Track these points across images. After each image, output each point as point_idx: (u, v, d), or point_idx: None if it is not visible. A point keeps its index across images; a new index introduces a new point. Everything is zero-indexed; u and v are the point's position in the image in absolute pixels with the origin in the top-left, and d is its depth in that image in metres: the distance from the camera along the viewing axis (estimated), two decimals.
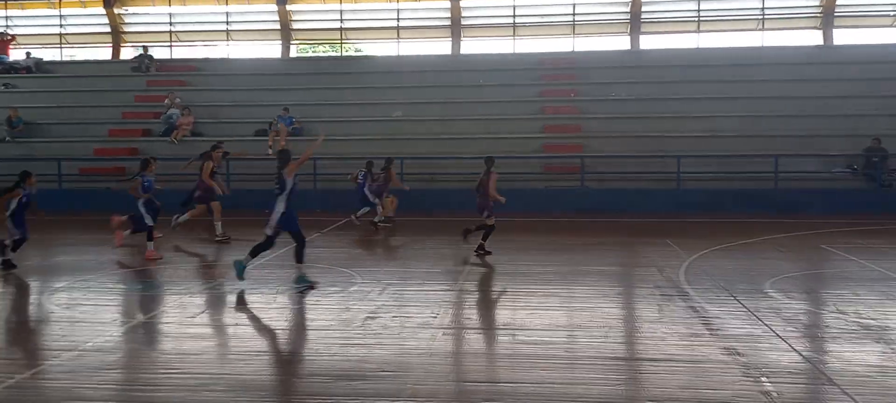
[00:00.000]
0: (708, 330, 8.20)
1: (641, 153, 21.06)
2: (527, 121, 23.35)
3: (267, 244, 10.34)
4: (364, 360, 7.19)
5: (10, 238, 11.86)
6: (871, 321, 8.66)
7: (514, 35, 27.80)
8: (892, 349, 7.72)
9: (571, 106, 23.90)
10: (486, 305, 9.70)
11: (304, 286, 10.07)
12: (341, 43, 30.01)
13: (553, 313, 9.09)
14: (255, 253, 10.44)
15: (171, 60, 28.42)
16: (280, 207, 10.14)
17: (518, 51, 27.29)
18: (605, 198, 19.88)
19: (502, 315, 9.11)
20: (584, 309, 9.33)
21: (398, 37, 28.34)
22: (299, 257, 10.31)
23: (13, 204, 11.81)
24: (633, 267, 12.66)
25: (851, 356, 7.50)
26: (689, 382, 6.54)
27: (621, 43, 27.15)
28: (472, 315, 9.15)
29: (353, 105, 24.34)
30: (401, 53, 28.18)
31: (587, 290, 10.47)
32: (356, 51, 30.67)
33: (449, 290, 10.41)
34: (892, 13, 25.84)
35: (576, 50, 27.04)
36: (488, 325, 8.55)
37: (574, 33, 27.43)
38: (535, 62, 25.97)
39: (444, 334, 8.14)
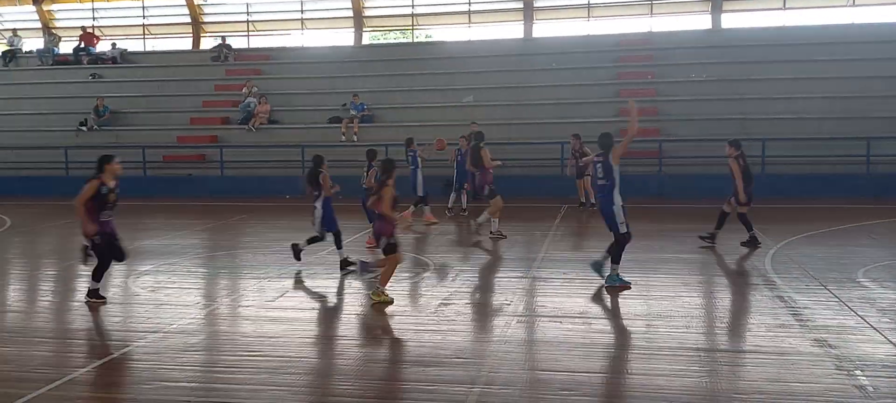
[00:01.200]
0: (797, 320, 7.83)
1: (722, 136, 20.28)
2: (602, 105, 22.84)
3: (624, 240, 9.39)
4: (438, 347, 7.15)
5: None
6: None
7: (588, 16, 27.22)
8: None
9: (649, 88, 23.26)
10: (561, 293, 9.51)
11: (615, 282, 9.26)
12: (412, 29, 30.04)
13: (631, 302, 8.83)
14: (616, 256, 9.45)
15: (248, 50, 29.04)
16: (618, 199, 9.29)
17: (592, 33, 26.70)
18: (685, 183, 19.29)
19: (577, 303, 8.91)
20: (663, 297, 9.04)
21: (469, 21, 28.15)
22: (616, 257, 9.35)
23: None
24: (715, 255, 12.21)
25: None
26: (777, 375, 6.24)
27: (702, 22, 26.21)
28: (546, 302, 8.98)
29: (424, 91, 24.35)
30: (472, 38, 27.99)
31: (667, 279, 10.15)
32: (427, 37, 30.65)
33: (523, 278, 10.28)
34: None
35: (653, 30, 26.26)
36: (563, 313, 8.37)
37: (651, 13, 26.65)
38: (610, 44, 25.35)
39: (518, 322, 8.02)
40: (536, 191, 19.61)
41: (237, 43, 28.92)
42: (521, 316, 8.27)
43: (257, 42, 30.08)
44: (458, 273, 10.64)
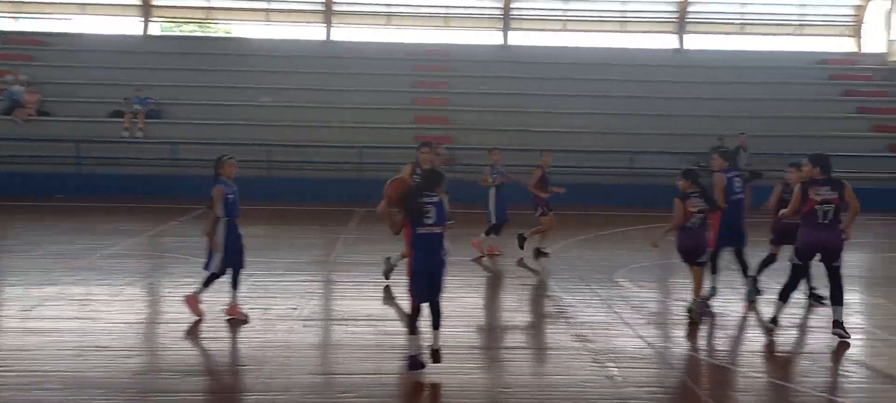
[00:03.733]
0: (563, 317, 8.51)
1: (509, 146, 21.56)
2: (399, 112, 23.37)
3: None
4: (217, 354, 6.95)
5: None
6: (713, 310, 9.27)
7: (387, 24, 27.69)
8: (725, 333, 8.31)
9: (443, 97, 24.15)
10: (349, 296, 9.61)
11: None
12: (206, 22, 28.82)
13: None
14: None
15: (15, 33, 26.30)
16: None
17: (391, 40, 27.21)
18: (474, 190, 20.18)
19: (367, 306, 9.05)
20: (448, 298, 9.37)
21: (268, 19, 27.53)
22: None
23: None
24: (492, 258, 12.92)
25: (686, 342, 8.01)
26: (541, 369, 6.77)
27: (494, 38, 27.65)
28: (334, 306, 9.04)
29: (219, 88, 23.46)
30: (273, 37, 27.40)
31: (454, 281, 10.55)
32: (226, 33, 29.55)
33: (312, 281, 10.25)
34: (737, 21, 27.80)
35: (449, 43, 27.28)
36: (350, 316, 8.46)
37: (447, 26, 27.67)
38: (408, 53, 26.02)
39: (304, 326, 7.99)
40: (333, 195, 19.58)
41: (5, 24, 26.09)
42: (306, 320, 8.24)
43: (28, 25, 27.32)
44: (246, 277, 10.37)
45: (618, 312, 8.82)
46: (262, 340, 7.41)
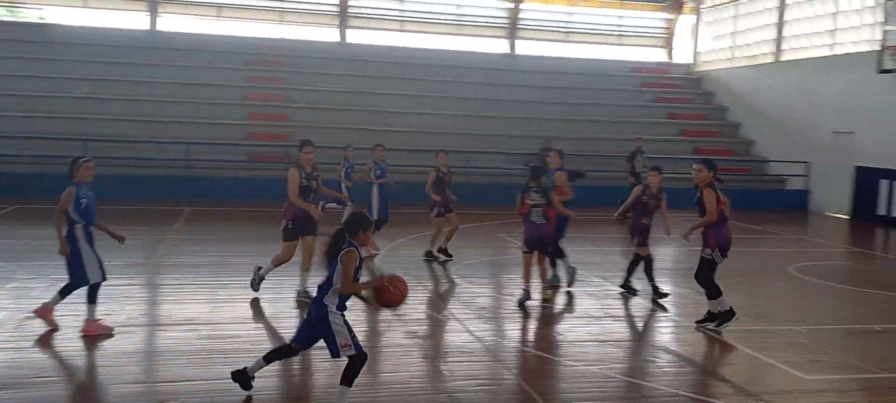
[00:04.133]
0: (396, 317, 8.59)
1: (346, 145, 21.46)
2: (232, 108, 22.60)
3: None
4: (16, 366, 6.39)
5: None
6: (536, 303, 9.75)
7: (218, 16, 26.66)
8: (546, 326, 8.77)
9: (278, 94, 23.62)
10: (170, 300, 9.17)
11: None
12: (15, 6, 26.38)
13: (243, 306, 8.87)
14: None
15: None
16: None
17: (224, 33, 26.22)
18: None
19: (188, 310, 8.67)
20: (276, 299, 9.26)
21: (86, 4, 25.61)
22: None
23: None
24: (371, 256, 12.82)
25: (514, 334, 8.38)
26: (368, 367, 6.78)
27: (330, 35, 27.40)
28: (152, 310, 8.59)
29: (29, 77, 21.55)
30: (92, 24, 25.52)
31: (283, 281, 10.38)
32: (40, 19, 27.17)
33: (130, 285, 9.67)
34: (564, 30, 29.36)
35: (285, 38, 26.72)
36: (170, 321, 8.08)
37: (282, 21, 27.08)
38: (241, 46, 25.22)
39: (118, 332, 7.52)
40: (158, 193, 18.58)
41: None
42: (122, 325, 7.76)
43: None
44: (54, 282, 9.60)
45: (449, 308, 9.04)
46: (73, 348, 6.91)
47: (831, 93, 21.47)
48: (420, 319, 8.52)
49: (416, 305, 9.10)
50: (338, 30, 27.26)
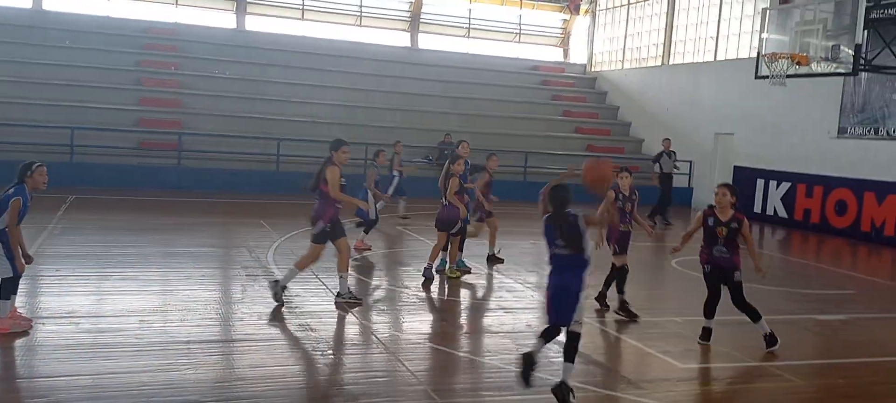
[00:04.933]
0: (287, 308, 8.52)
1: (243, 133, 21.04)
2: (122, 92, 21.67)
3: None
4: None
5: None
6: (433, 295, 9.89)
7: None
8: (442, 318, 8.92)
9: (173, 79, 22.83)
10: (50, 292, 8.76)
11: None
12: None
13: (128, 298, 8.57)
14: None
15: None
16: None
17: (115, 15, 25.06)
18: (204, 177, 19.42)
19: (69, 302, 8.31)
20: (163, 292, 9.02)
21: None
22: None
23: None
24: (223, 248, 12.57)
25: (408, 325, 8.48)
26: (260, 360, 6.72)
27: (227, 21, 26.67)
28: (31, 303, 8.16)
29: None
30: None
31: (171, 272, 10.13)
32: None
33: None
34: (465, 26, 29.71)
35: (180, 22, 25.81)
36: (49, 314, 7.72)
37: (178, 4, 26.14)
38: (134, 29, 24.21)
39: None
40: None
41: None
42: None
43: None
44: None
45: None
46: None
47: (714, 96, 22.71)
48: (313, 311, 8.48)
49: (308, 297, 9.06)
50: (235, 15, 26.59)
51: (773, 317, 9.49)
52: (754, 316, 7.92)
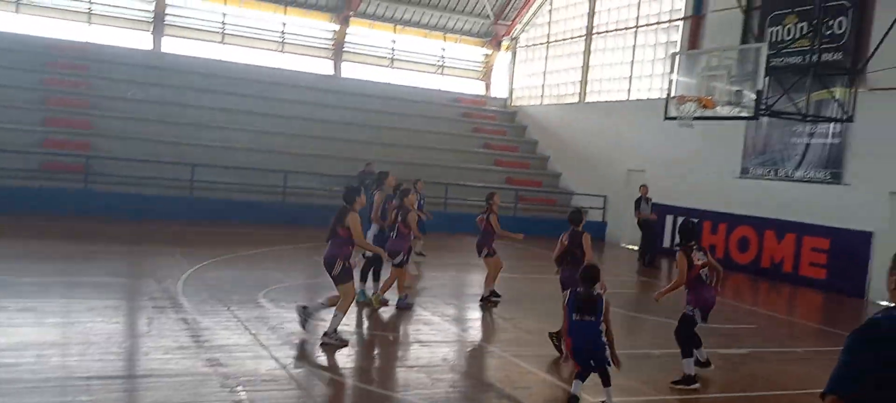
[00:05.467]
0: (195, 342, 8.28)
1: (156, 158, 20.43)
2: (26, 111, 20.73)
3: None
4: None
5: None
6: (350, 329, 9.79)
7: (17, 11, 24.40)
8: (356, 353, 8.84)
9: (82, 100, 22.00)
10: None
11: None
12: None
13: (25, 330, 8.15)
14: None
15: None
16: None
17: (20, 30, 24.03)
18: (114, 201, 18.71)
19: None
20: (63, 324, 8.61)
21: None
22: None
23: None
24: (131, 279, 12.13)
25: (322, 360, 8.36)
26: (165, 397, 6.50)
27: (142, 41, 25.96)
28: None
29: None
30: None
31: (73, 303, 9.69)
32: None
33: None
34: (387, 56, 29.86)
35: (91, 41, 24.95)
36: None
37: (90, 22, 25.29)
38: (41, 46, 23.25)
39: None
40: None
41: None
42: None
43: None
44: None
45: (255, 334, 8.84)
46: None
47: (627, 133, 23.49)
48: (223, 345, 8.26)
49: (218, 330, 8.83)
50: (151, 36, 25.93)
51: (678, 351, 9.80)
52: (684, 352, 8.16)
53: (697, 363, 8.40)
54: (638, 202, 19.72)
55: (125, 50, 25.01)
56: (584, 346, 6.88)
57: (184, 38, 26.48)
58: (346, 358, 8.64)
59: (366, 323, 10.11)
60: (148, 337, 8.37)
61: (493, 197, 11.97)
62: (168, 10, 25.94)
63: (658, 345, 10.24)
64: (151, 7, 25.74)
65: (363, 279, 11.11)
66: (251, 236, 17.28)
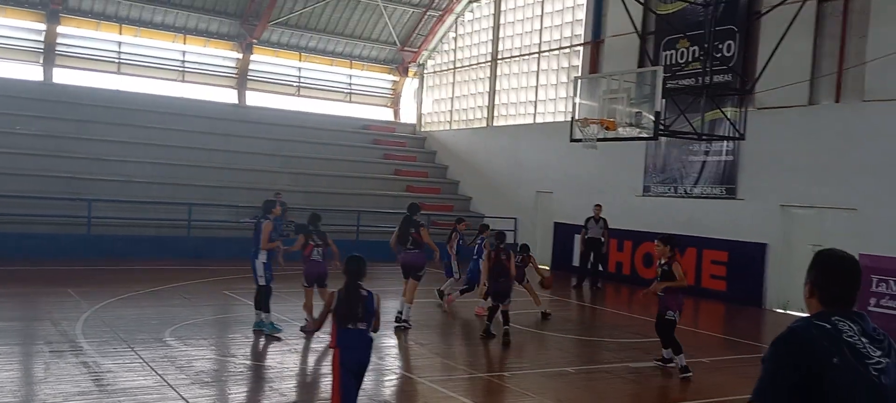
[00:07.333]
0: (97, 386, 7.85)
1: (49, 194, 19.39)
2: None
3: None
4: None
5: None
6: (261, 363, 9.51)
7: None
8: (270, 387, 8.58)
9: None
10: None
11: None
12: None
13: None
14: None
15: None
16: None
17: None
18: (4, 242, 17.60)
19: None
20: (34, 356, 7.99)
21: None
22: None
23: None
24: (23, 322, 11.39)
25: (234, 398, 8.08)
26: None
27: (33, 73, 24.71)
28: None
29: None
30: None
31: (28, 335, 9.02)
32: None
33: None
34: (295, 84, 29.50)
35: None
36: None
37: None
38: None
39: None
40: None
41: None
42: None
43: None
44: None
45: (162, 374, 8.46)
46: None
47: (534, 156, 24.00)
48: (126, 388, 7.85)
49: (122, 372, 8.41)
50: (42, 68, 24.73)
51: (591, 367, 10.01)
52: (675, 349, 9.61)
53: (661, 360, 9.94)
54: (587, 222, 19.41)
55: (13, 81, 23.73)
56: None
57: (77, 68, 25.38)
58: (258, 395, 8.38)
59: (278, 356, 9.83)
60: (45, 384, 7.87)
61: (528, 249, 14.12)
62: (59, 39, 24.82)
63: (576, 362, 10.43)
64: (42, 37, 24.57)
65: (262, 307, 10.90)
66: (155, 273, 16.59)
